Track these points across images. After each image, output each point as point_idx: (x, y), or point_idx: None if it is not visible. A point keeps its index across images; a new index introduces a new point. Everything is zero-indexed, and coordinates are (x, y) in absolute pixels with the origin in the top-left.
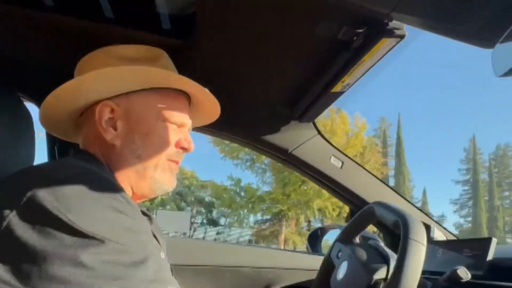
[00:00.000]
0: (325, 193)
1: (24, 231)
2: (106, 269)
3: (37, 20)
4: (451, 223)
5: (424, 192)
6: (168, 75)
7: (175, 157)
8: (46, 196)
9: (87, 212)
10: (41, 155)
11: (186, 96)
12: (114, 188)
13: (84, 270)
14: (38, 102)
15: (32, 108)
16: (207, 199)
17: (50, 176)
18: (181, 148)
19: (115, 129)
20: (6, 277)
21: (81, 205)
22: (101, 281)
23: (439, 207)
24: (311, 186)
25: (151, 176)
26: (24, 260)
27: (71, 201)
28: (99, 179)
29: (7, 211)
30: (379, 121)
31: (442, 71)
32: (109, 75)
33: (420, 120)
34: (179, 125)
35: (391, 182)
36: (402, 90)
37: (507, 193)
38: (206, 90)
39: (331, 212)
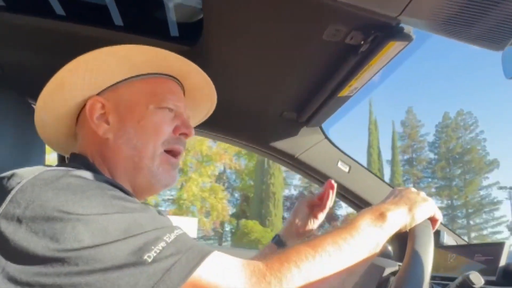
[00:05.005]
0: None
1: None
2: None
3: (48, 28)
4: None
5: None
6: (152, 50)
7: (175, 144)
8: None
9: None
10: (50, 161)
11: (178, 82)
12: (108, 182)
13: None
14: None
15: None
16: None
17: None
18: (180, 134)
19: (108, 123)
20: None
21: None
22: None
23: None
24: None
25: (148, 168)
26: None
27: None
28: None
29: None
30: None
31: None
32: (88, 63)
33: None
34: (173, 110)
35: None
36: None
37: (459, 171)
38: (194, 65)
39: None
